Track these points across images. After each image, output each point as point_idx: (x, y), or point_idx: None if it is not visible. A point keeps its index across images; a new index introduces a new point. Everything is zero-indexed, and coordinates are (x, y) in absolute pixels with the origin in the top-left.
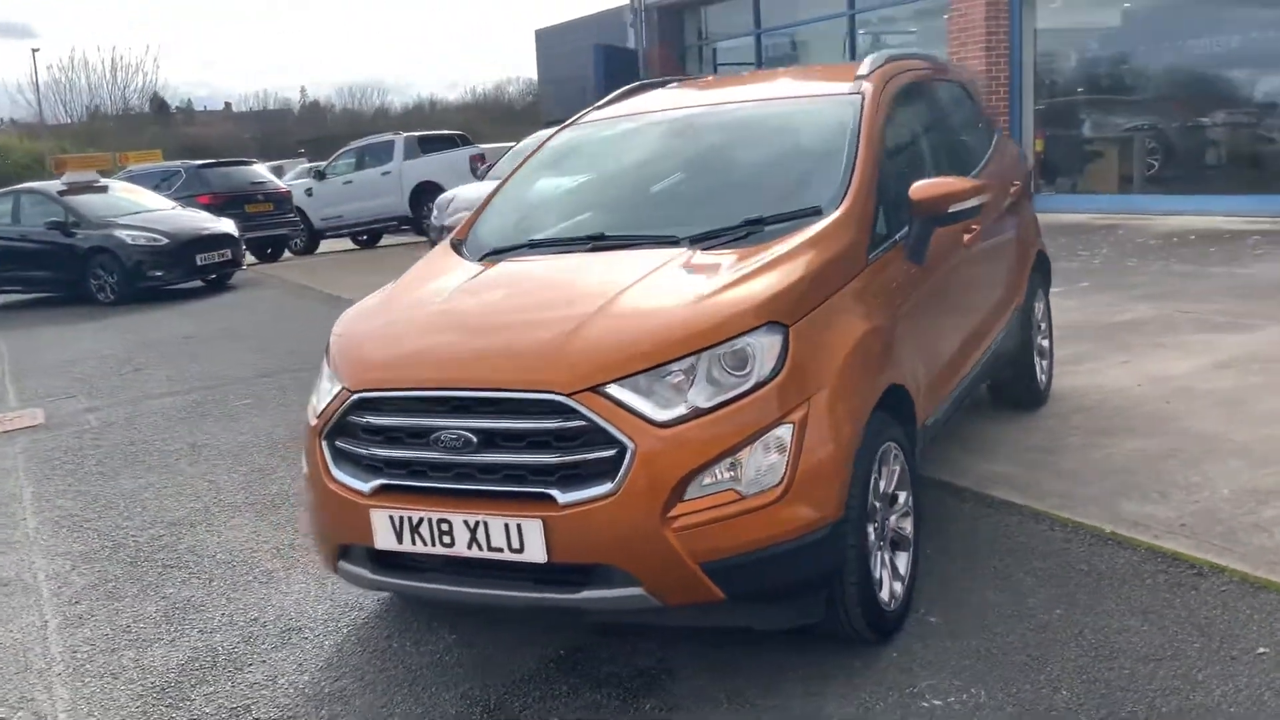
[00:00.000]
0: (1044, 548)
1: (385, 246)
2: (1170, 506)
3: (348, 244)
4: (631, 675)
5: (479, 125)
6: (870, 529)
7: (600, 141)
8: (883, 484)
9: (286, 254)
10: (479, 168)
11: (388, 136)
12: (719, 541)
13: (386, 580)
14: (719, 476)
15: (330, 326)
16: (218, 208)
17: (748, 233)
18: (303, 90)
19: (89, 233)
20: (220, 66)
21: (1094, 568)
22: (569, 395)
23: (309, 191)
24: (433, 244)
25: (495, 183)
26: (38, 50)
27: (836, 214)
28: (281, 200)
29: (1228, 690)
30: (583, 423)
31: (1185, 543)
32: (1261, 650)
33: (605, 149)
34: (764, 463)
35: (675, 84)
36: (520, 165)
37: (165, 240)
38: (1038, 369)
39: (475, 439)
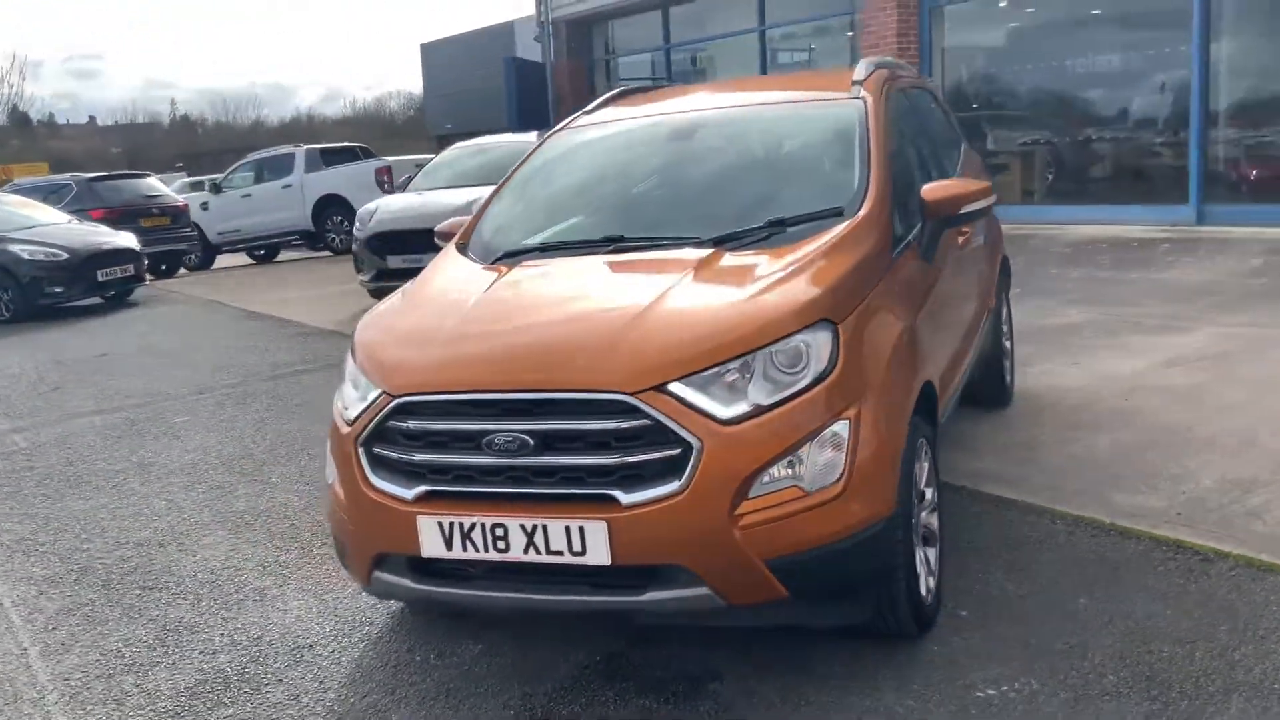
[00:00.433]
0: (1049, 540)
1: (284, 261)
2: (1160, 497)
3: (244, 259)
4: (677, 680)
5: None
6: (912, 524)
7: (600, 144)
8: (919, 480)
9: (181, 270)
10: (385, 181)
11: (288, 149)
12: (783, 539)
13: (429, 590)
14: (781, 474)
15: (253, 342)
16: (112, 222)
17: (769, 234)
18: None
19: None
20: (87, 80)
21: (1104, 558)
22: (633, 394)
23: (204, 205)
24: (356, 258)
25: (416, 194)
26: None
27: (860, 215)
28: (178, 214)
29: (1267, 669)
30: (646, 422)
31: (1184, 531)
32: None
33: (606, 151)
34: (824, 459)
35: (663, 89)
36: (517, 169)
37: (65, 255)
38: (1006, 368)
39: (532, 441)
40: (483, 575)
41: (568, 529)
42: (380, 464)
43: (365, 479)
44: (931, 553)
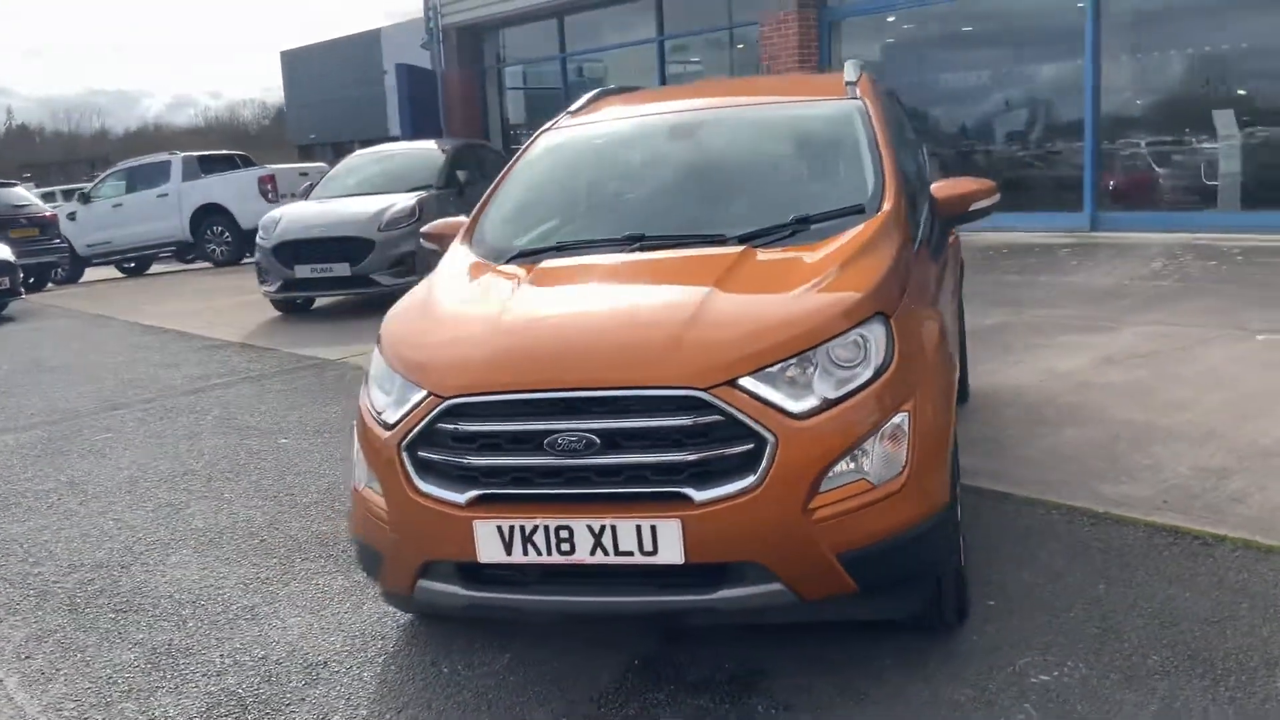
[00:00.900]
0: (1050, 530)
1: (158, 274)
2: (1144, 486)
3: (113, 272)
4: (725, 679)
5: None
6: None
7: (601, 142)
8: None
9: (49, 284)
10: (269, 190)
11: (163, 156)
12: (853, 532)
13: (484, 596)
14: (849, 467)
15: (157, 356)
16: None
17: (793, 231)
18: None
19: None
20: None
21: (1108, 545)
22: (706, 390)
23: (72, 216)
24: (260, 268)
25: (319, 203)
26: None
27: (883, 212)
28: (47, 225)
29: None
30: (718, 418)
31: (1177, 517)
32: None
33: (609, 150)
34: (888, 452)
35: (646, 90)
36: (511, 167)
37: None
38: (963, 365)
39: (599, 440)
40: (537, 580)
41: (638, 528)
42: (426, 468)
43: (411, 484)
44: (961, 543)
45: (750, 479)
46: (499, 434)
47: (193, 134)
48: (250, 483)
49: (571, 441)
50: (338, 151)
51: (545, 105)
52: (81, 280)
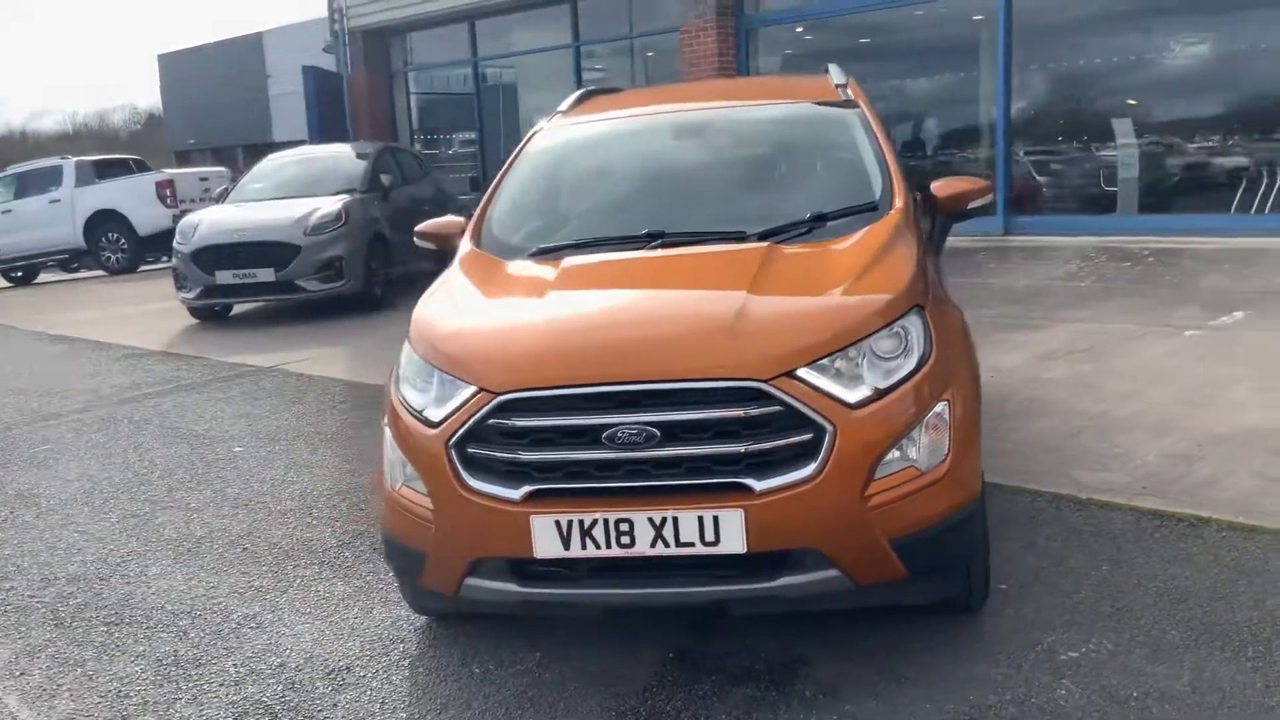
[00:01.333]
0: (1040, 517)
1: (49, 282)
2: (1120, 474)
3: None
4: (765, 668)
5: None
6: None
7: (604, 141)
8: None
9: None
10: (167, 195)
11: (54, 160)
12: (905, 518)
13: (538, 592)
14: (898, 455)
15: (76, 366)
16: None
17: (810, 228)
18: None
19: None
20: None
21: (1100, 529)
22: (766, 381)
23: None
24: (178, 274)
25: (236, 207)
26: None
27: (897, 209)
28: None
29: None
30: (777, 408)
31: (1158, 501)
32: None
33: (613, 148)
34: (933, 440)
35: (632, 91)
36: (509, 168)
37: None
38: None
39: (658, 433)
40: (588, 574)
41: (700, 519)
42: (475, 465)
43: (461, 482)
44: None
45: (810, 468)
46: (553, 429)
47: (60, 140)
48: (215, 491)
49: (631, 434)
50: (218, 157)
51: (455, 110)
52: None
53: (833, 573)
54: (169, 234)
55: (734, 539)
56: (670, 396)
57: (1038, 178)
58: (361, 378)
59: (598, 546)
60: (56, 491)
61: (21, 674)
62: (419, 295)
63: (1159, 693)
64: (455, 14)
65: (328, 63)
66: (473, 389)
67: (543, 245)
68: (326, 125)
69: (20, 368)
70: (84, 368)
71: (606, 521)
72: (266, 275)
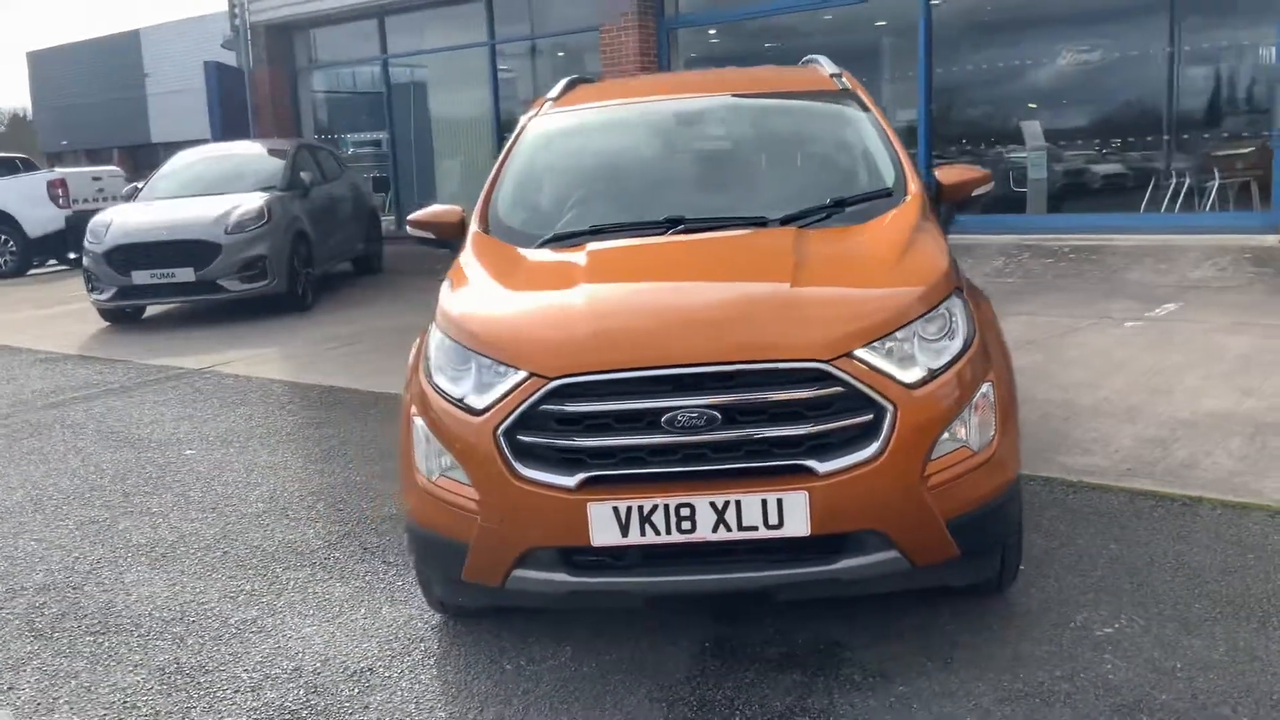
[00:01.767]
0: (1038, 500)
1: None
2: (1101, 458)
3: None
4: (806, 653)
5: None
6: None
7: (605, 128)
8: None
9: None
10: (60, 195)
11: None
12: (960, 498)
13: (590, 582)
14: (950, 435)
15: None
16: None
17: (828, 213)
18: None
19: None
20: None
21: (1099, 511)
22: (828, 362)
23: None
24: (89, 275)
25: (147, 204)
26: None
27: (914, 194)
28: None
29: None
30: (839, 389)
31: (1147, 483)
32: None
33: (616, 135)
34: (982, 420)
35: (620, 79)
36: (508, 155)
37: None
38: None
39: (720, 416)
40: (637, 562)
41: (764, 502)
42: (524, 453)
43: (512, 470)
44: None
45: (872, 448)
46: (608, 413)
47: None
48: (176, 495)
49: (692, 418)
50: (92, 158)
51: (363, 108)
52: None
53: (892, 554)
54: (61, 235)
55: (798, 522)
56: (732, 379)
57: None
58: (302, 378)
59: (657, 533)
60: (0, 499)
61: (10, 688)
62: (342, 297)
63: (1200, 663)
64: (364, 10)
65: (227, 58)
66: (522, 375)
67: (559, 231)
68: (229, 122)
69: None
70: None
71: (667, 507)
72: (186, 275)
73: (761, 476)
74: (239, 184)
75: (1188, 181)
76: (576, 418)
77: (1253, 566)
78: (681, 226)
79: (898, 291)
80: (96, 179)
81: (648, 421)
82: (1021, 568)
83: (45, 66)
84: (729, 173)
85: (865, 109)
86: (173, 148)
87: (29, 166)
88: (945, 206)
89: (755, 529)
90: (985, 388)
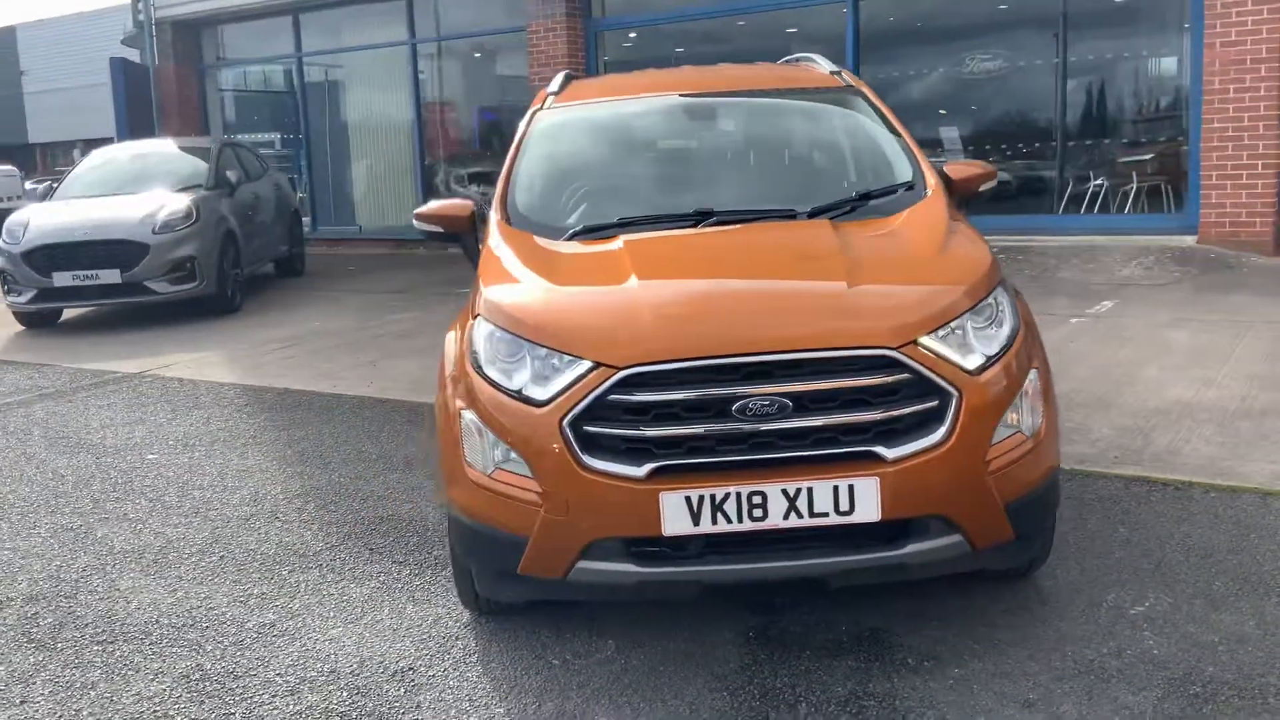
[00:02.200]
0: None
1: None
2: (1086, 446)
3: None
4: (853, 640)
5: None
6: None
7: (617, 122)
8: None
9: None
10: None
11: None
12: (1016, 482)
13: (660, 571)
14: (1006, 420)
15: None
16: None
17: (852, 207)
18: None
19: None
20: None
21: (1099, 497)
22: (897, 349)
23: None
24: (6, 277)
25: (64, 204)
26: None
27: (936, 187)
28: None
29: None
30: (906, 376)
31: (1136, 469)
32: None
33: (629, 129)
34: (1032, 406)
35: (624, 74)
36: (519, 148)
37: None
38: None
39: (791, 404)
40: (700, 551)
41: (835, 489)
42: (589, 443)
43: (579, 461)
44: None
45: (939, 434)
46: (678, 403)
47: None
48: (150, 501)
49: (764, 405)
50: None
51: (275, 108)
52: None
53: (955, 538)
54: None
55: (869, 507)
56: (802, 366)
57: None
58: (251, 381)
59: (729, 521)
60: None
61: (23, 701)
62: (268, 299)
63: (1235, 636)
64: (277, 7)
65: (128, 54)
66: (586, 365)
67: (589, 224)
68: (135, 121)
69: None
70: None
71: (739, 495)
72: (111, 277)
73: (831, 463)
74: (160, 183)
75: (1105, 184)
76: (644, 407)
77: (1258, 545)
78: (713, 219)
79: (952, 283)
80: (10, 178)
81: (716, 410)
82: None
83: None
84: (747, 166)
85: (872, 105)
86: (51, 149)
87: None
88: (956, 199)
89: (826, 515)
90: (1032, 375)
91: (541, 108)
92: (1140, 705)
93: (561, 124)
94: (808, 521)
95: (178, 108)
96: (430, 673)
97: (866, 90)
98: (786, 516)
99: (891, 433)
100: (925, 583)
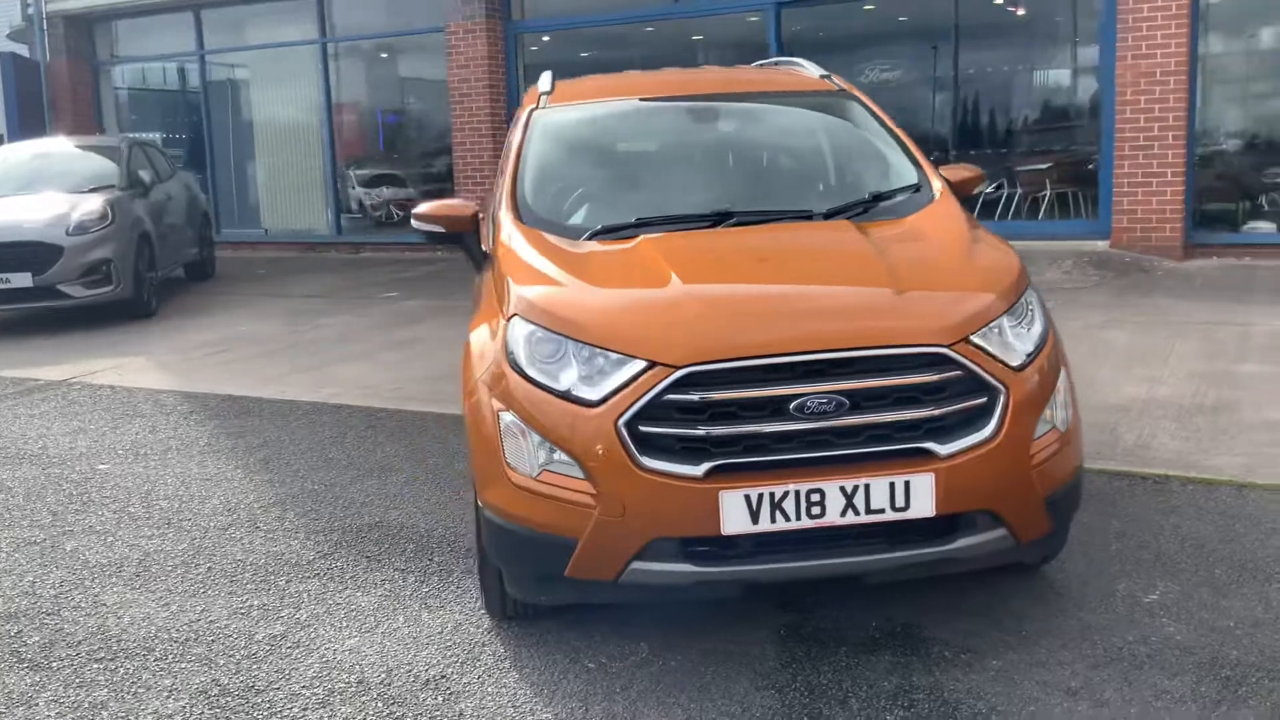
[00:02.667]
0: None
1: None
2: None
3: None
4: (885, 635)
5: None
6: None
7: (621, 122)
8: None
9: None
10: None
11: None
12: (1054, 476)
13: (716, 571)
14: (1044, 415)
15: None
16: None
17: (865, 208)
18: None
19: None
20: None
21: (1086, 491)
22: (949, 346)
23: None
24: None
25: None
26: None
27: (945, 189)
28: None
29: None
30: (957, 373)
31: (1114, 464)
32: None
33: (635, 130)
34: (1065, 401)
35: (611, 75)
36: (521, 146)
37: None
38: None
39: (848, 402)
40: (754, 550)
41: (892, 485)
42: (644, 443)
43: (635, 461)
44: None
45: (988, 429)
46: (735, 401)
47: None
48: (114, 512)
49: (821, 404)
50: None
51: (176, 106)
52: None
53: (1001, 532)
54: None
55: (924, 503)
56: (854, 365)
57: None
58: (190, 388)
59: (787, 519)
60: None
61: None
62: (182, 304)
63: (1250, 621)
64: (177, 3)
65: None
66: (641, 364)
67: (609, 224)
68: (25, 118)
69: None
70: None
71: (798, 493)
72: (22, 280)
73: (886, 460)
74: (67, 183)
75: (1019, 191)
76: (700, 406)
77: (1246, 535)
78: (734, 220)
79: (991, 282)
80: None
81: (774, 408)
82: None
83: None
84: (754, 168)
85: (868, 108)
86: None
87: None
88: None
89: (882, 511)
90: (1063, 372)
91: (537, 107)
92: (1179, 689)
93: (563, 123)
94: (864, 518)
95: (71, 105)
96: (465, 680)
97: (859, 94)
98: (844, 513)
99: (942, 429)
100: (947, 577)
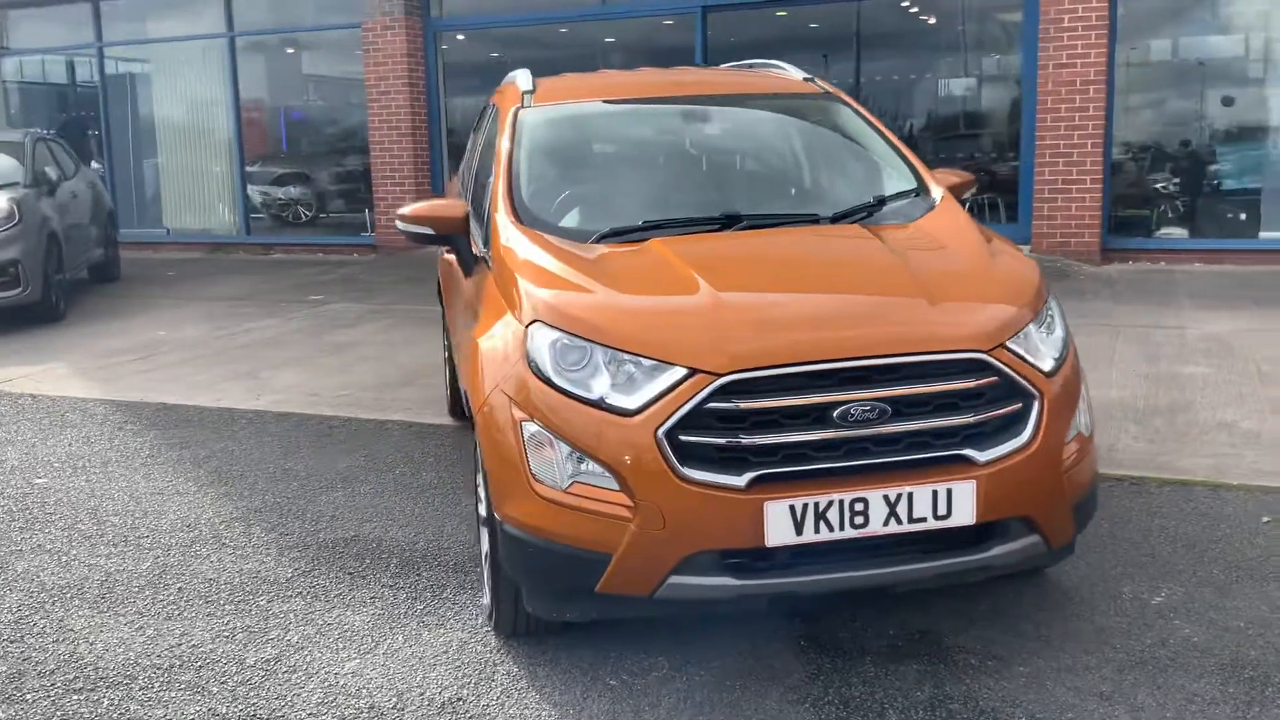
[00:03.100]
0: None
1: None
2: None
3: None
4: (908, 644)
5: None
6: None
7: (612, 124)
8: None
9: None
10: None
11: None
12: (1079, 481)
13: (758, 584)
14: (1073, 421)
15: None
16: None
17: (869, 211)
18: None
19: None
20: None
21: None
22: (988, 352)
23: None
24: None
25: None
26: None
27: (945, 194)
28: None
29: None
30: (994, 379)
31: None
32: (1265, 519)
33: (628, 131)
34: (1086, 406)
35: (592, 73)
36: (514, 149)
37: None
38: None
39: (890, 409)
40: (792, 560)
41: (934, 493)
42: (683, 453)
43: (676, 472)
44: None
45: (1025, 435)
46: (778, 410)
47: None
48: (63, 529)
49: (865, 411)
50: None
51: (70, 101)
52: None
53: (1035, 539)
54: None
55: (965, 511)
56: (894, 371)
57: None
58: (119, 396)
59: (830, 529)
60: None
61: None
62: (90, 307)
63: (1259, 620)
64: None
65: None
66: (681, 372)
67: (617, 227)
68: None
69: None
70: None
71: (842, 503)
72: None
73: (926, 468)
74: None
75: None
76: (741, 415)
77: (1232, 535)
78: (743, 223)
79: (1018, 290)
80: None
81: (816, 416)
82: None
83: None
84: (751, 170)
85: (855, 110)
86: None
87: None
88: None
89: (924, 520)
90: (1083, 378)
91: (522, 105)
92: (1208, 691)
93: (551, 123)
94: (906, 527)
95: None
96: (483, 702)
97: (846, 97)
98: (886, 523)
99: (979, 436)
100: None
